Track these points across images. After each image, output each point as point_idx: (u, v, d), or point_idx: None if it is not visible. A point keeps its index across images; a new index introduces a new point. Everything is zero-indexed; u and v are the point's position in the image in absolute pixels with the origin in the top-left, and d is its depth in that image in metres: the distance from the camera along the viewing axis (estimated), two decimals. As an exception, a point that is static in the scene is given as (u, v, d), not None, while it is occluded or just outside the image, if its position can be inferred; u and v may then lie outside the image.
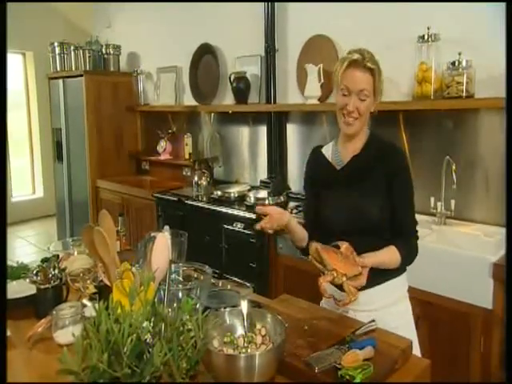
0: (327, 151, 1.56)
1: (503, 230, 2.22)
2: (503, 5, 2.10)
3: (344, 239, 1.35)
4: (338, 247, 1.33)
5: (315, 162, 1.59)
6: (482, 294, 1.90)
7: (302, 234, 1.52)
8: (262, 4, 3.19)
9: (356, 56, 1.38)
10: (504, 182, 2.19)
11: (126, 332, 0.77)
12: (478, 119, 2.38)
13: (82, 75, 4.27)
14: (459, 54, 2.28)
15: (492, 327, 1.89)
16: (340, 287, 1.31)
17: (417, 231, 1.47)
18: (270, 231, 1.44)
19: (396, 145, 1.53)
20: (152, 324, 0.85)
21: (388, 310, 1.43)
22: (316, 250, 1.30)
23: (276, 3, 3.17)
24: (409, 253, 1.43)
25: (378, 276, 1.38)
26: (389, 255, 1.39)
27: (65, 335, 1.24)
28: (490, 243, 2.16)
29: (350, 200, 1.45)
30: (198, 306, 1.24)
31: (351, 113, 1.40)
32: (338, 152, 1.52)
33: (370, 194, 1.43)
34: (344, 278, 1.26)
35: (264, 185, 3.21)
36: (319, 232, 1.51)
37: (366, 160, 1.46)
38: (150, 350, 0.79)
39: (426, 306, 2.06)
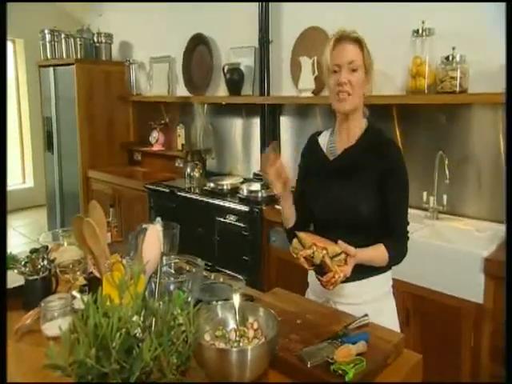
0: (323, 139, 1.53)
1: (495, 226, 2.24)
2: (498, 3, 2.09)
3: (331, 233, 1.34)
4: None
5: (310, 150, 1.57)
6: (473, 288, 1.91)
7: (292, 208, 1.52)
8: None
9: (341, 31, 1.39)
10: (504, 180, 2.19)
11: (114, 326, 0.75)
12: (471, 114, 2.38)
13: (73, 64, 4.20)
14: (453, 48, 2.27)
15: (483, 322, 1.90)
16: (322, 273, 1.28)
17: (408, 231, 1.45)
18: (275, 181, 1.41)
19: (393, 141, 1.50)
20: (142, 318, 0.83)
21: (371, 305, 1.42)
22: (296, 236, 1.31)
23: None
24: (398, 253, 1.41)
25: (363, 271, 1.37)
26: (376, 253, 1.37)
27: (53, 327, 1.21)
28: (481, 238, 2.16)
29: (339, 193, 1.43)
30: (189, 299, 1.22)
31: (344, 85, 1.36)
32: (333, 142, 1.49)
33: (360, 189, 1.40)
34: (324, 252, 1.23)
35: (257, 177, 3.20)
36: (304, 221, 1.52)
37: (358, 153, 1.43)
38: (140, 344, 0.78)
39: (417, 300, 2.07)
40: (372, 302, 1.43)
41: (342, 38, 1.38)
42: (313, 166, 1.53)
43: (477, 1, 2.26)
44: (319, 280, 1.29)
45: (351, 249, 1.26)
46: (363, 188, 1.40)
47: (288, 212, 1.52)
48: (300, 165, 1.61)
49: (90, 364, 0.71)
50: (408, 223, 1.45)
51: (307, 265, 1.27)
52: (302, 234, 1.31)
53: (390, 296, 1.52)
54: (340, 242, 1.26)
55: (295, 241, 1.32)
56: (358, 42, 1.38)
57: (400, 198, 1.42)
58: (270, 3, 3.14)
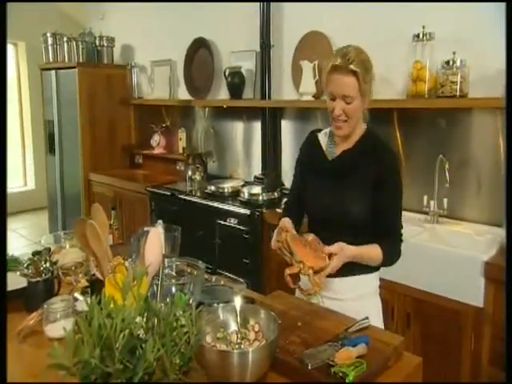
0: (323, 137, 1.57)
1: (494, 229, 2.24)
2: (497, 5, 2.10)
3: (324, 230, 1.40)
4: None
5: (310, 147, 1.60)
6: (473, 292, 1.92)
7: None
8: (258, -1, 3.17)
9: (338, 61, 1.36)
10: (504, 182, 2.19)
11: (118, 327, 0.76)
12: (471, 118, 2.39)
13: (75, 67, 4.22)
14: (453, 53, 2.28)
15: (482, 325, 1.90)
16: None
17: (401, 234, 1.48)
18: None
19: (388, 145, 1.54)
20: (145, 319, 0.84)
21: (356, 303, 1.46)
22: (286, 241, 1.34)
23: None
24: (392, 254, 1.45)
25: (353, 268, 1.41)
26: (371, 252, 1.41)
27: (56, 329, 1.22)
28: (481, 242, 2.17)
29: (335, 193, 1.47)
30: (191, 301, 1.23)
31: (339, 116, 1.41)
32: (332, 143, 1.54)
33: (355, 190, 1.44)
34: (310, 271, 1.28)
35: (258, 180, 3.21)
36: (300, 215, 1.56)
37: (356, 156, 1.47)
38: (143, 345, 0.79)
39: (417, 303, 2.08)
40: (357, 300, 1.47)
41: (339, 68, 1.36)
42: (311, 162, 1.57)
43: (477, 0, 2.27)
44: (300, 288, 1.36)
45: (335, 249, 1.31)
46: (358, 190, 1.44)
47: None
48: (298, 158, 1.64)
49: (94, 364, 0.72)
50: (402, 226, 1.49)
51: (292, 283, 1.33)
52: (294, 247, 1.32)
53: (376, 297, 1.56)
54: (324, 248, 1.32)
55: (282, 239, 1.34)
56: (355, 73, 1.36)
57: (393, 201, 1.47)
58: (271, 8, 3.16)
